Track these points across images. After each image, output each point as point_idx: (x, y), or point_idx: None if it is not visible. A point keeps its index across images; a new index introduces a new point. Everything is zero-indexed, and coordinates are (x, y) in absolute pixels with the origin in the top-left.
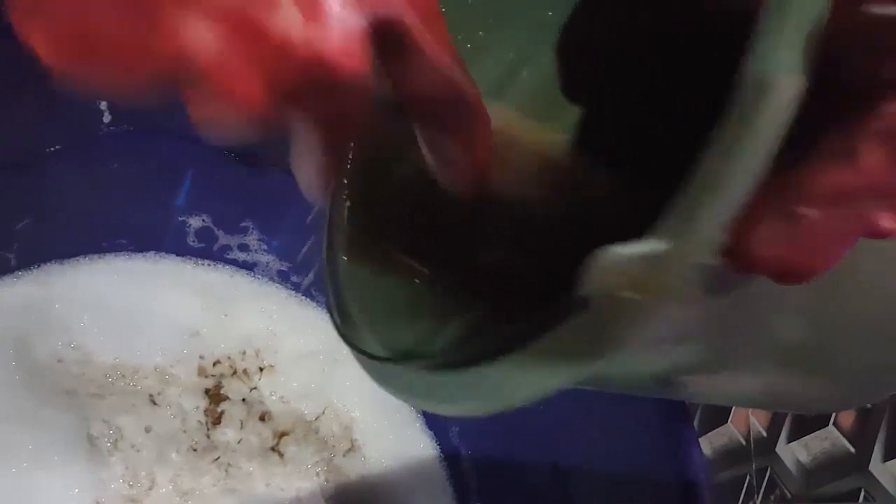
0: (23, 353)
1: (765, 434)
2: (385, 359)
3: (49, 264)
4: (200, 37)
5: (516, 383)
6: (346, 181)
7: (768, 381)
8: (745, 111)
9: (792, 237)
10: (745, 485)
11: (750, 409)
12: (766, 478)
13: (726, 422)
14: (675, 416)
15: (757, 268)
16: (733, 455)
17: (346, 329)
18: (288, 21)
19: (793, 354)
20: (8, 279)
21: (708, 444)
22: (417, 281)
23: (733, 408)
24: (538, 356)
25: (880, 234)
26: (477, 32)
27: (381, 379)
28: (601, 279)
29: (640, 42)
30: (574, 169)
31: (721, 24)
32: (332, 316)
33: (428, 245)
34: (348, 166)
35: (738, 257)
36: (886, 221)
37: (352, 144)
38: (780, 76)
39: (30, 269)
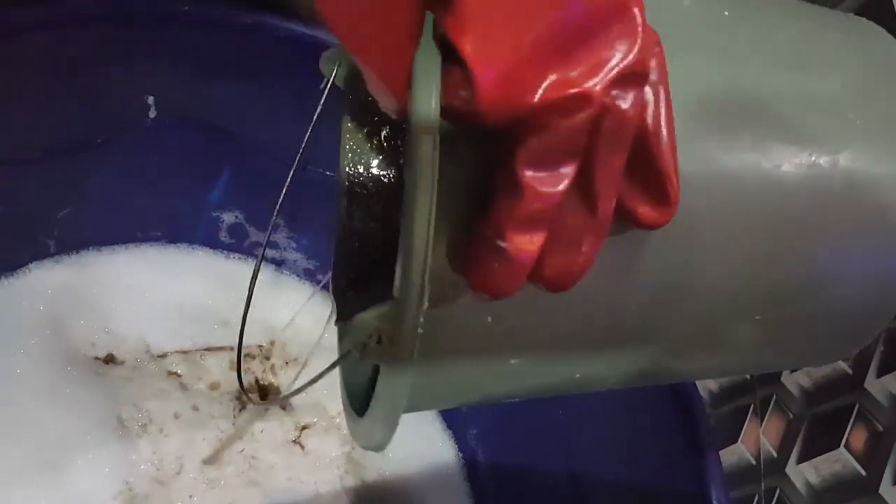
0: (58, 336)
1: (775, 454)
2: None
3: (86, 251)
4: None
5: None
6: None
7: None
8: (406, 190)
9: (503, 264)
10: None
11: (761, 430)
12: (775, 498)
13: (737, 441)
14: (694, 424)
15: (487, 295)
16: (743, 474)
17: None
18: None
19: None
20: (47, 263)
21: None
22: None
23: (744, 427)
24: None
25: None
26: None
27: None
28: (355, 336)
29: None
30: None
31: None
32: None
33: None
34: None
35: (483, 292)
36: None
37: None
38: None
39: (68, 254)
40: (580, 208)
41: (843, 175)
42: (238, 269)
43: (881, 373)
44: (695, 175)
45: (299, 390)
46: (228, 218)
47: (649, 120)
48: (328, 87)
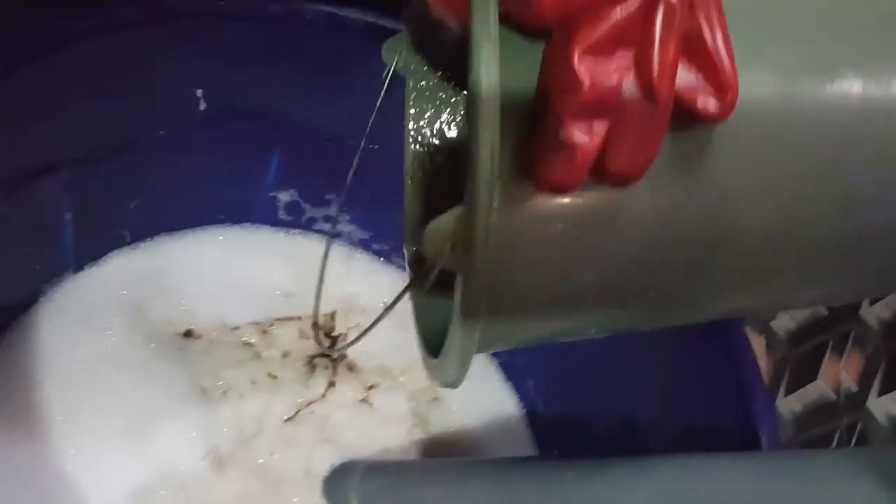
0: (140, 316)
1: (855, 389)
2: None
3: (158, 237)
4: None
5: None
6: None
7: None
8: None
9: (565, 156)
10: (835, 441)
11: (841, 365)
12: (856, 433)
13: (816, 378)
14: (745, 370)
15: (552, 190)
16: (823, 411)
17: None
18: None
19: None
20: (124, 251)
21: (798, 401)
22: None
23: (823, 364)
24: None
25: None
26: None
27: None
28: (432, 241)
29: None
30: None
31: None
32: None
33: None
34: None
35: (543, 188)
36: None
37: None
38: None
39: (142, 242)
40: (639, 97)
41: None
42: (298, 244)
43: None
44: (761, 81)
45: (366, 331)
46: (284, 197)
47: (700, 12)
48: (390, 73)
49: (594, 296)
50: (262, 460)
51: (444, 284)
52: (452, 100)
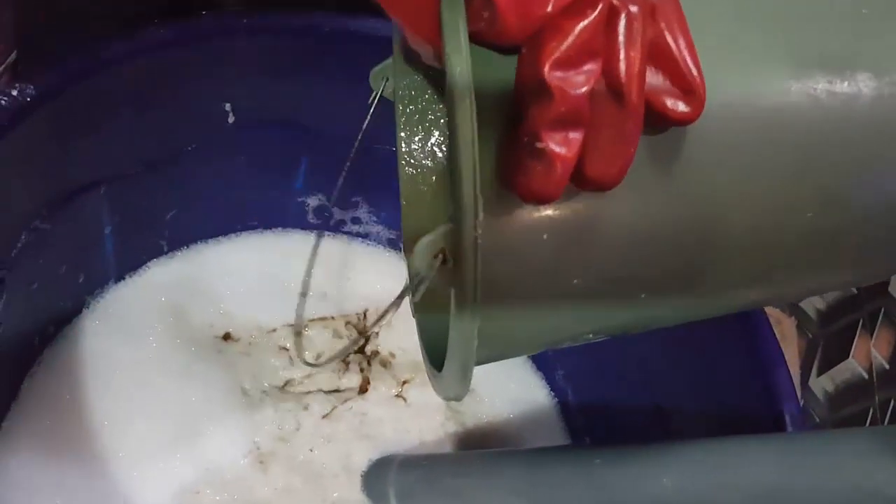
0: (180, 321)
1: (887, 366)
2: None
3: (195, 245)
4: None
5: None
6: None
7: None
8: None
9: (544, 166)
10: (869, 418)
11: (872, 342)
12: (890, 410)
13: (848, 356)
14: (770, 356)
15: (534, 200)
16: (856, 389)
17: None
18: None
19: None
20: (163, 260)
21: (830, 380)
22: None
23: (854, 343)
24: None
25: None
26: None
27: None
28: (421, 258)
29: None
30: None
31: None
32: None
33: None
34: None
35: (525, 198)
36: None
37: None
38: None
39: (179, 250)
40: (610, 103)
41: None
42: (328, 247)
43: None
44: (726, 84)
45: (377, 321)
46: (312, 201)
47: (661, 18)
48: (377, 99)
49: (584, 301)
50: (302, 457)
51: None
52: (441, 121)
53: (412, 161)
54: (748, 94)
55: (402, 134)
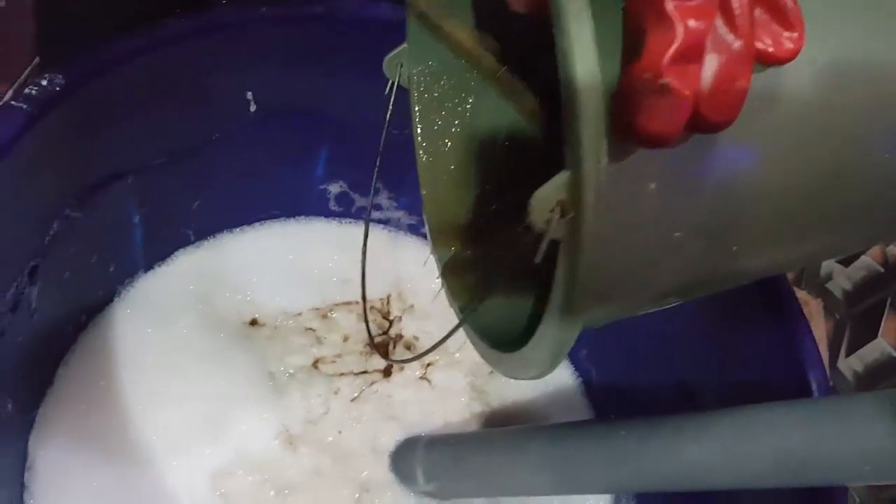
0: (208, 309)
1: None
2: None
3: (220, 234)
4: None
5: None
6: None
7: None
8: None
9: (667, 100)
10: None
11: None
12: None
13: (877, 336)
14: (796, 330)
15: (653, 141)
16: (886, 368)
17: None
18: None
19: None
20: (190, 249)
21: (859, 361)
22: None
23: (882, 322)
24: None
25: (769, 60)
26: None
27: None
28: (539, 211)
29: None
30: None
31: None
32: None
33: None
34: None
35: (643, 141)
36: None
37: None
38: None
39: (206, 240)
40: (726, 37)
41: None
42: (350, 232)
43: None
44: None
45: (436, 346)
46: (334, 188)
47: None
48: (395, 86)
49: (685, 257)
50: (331, 438)
51: (490, 282)
52: (459, 108)
53: (430, 148)
54: (837, 46)
55: (419, 120)
